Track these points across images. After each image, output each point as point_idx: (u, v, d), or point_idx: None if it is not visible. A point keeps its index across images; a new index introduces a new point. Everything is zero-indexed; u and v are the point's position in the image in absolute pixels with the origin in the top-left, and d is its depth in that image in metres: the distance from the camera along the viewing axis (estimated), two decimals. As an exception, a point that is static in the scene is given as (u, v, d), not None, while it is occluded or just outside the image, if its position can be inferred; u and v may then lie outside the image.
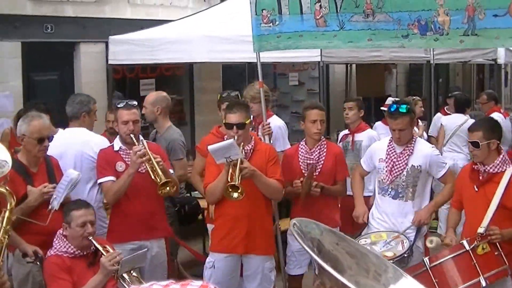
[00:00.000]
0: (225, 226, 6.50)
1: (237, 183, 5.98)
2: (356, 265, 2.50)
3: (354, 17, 6.75)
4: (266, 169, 6.43)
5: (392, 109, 6.59)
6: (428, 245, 6.07)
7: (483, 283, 5.50)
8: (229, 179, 6.08)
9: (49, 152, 6.26)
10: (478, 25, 6.18)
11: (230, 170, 6.09)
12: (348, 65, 16.90)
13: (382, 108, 11.77)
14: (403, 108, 6.48)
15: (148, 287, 2.16)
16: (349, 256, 2.54)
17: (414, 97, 11.91)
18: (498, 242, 5.67)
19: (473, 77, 25.00)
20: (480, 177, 6.01)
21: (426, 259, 5.66)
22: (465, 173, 6.31)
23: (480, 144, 5.89)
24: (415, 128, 10.98)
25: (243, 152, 6.30)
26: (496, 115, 10.37)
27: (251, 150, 6.51)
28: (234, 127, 6.35)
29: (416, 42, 6.61)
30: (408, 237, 6.40)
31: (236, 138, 6.25)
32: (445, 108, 12.49)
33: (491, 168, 5.95)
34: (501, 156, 6.01)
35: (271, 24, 7.19)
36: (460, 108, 11.40)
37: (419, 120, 11.65)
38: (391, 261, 5.92)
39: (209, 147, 6.23)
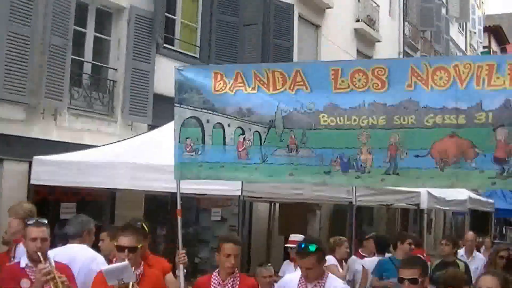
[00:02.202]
0: None
1: None
2: None
3: (277, 151, 6.77)
4: None
5: (300, 248, 6.50)
6: None
7: None
8: None
9: None
10: (400, 164, 6.26)
11: None
12: (272, 203, 16.93)
13: (286, 245, 11.77)
14: (312, 247, 6.39)
15: None
16: None
17: (341, 237, 11.93)
18: None
19: (397, 221, 25.38)
20: None
21: None
22: None
23: (418, 280, 5.81)
24: (339, 268, 10.93)
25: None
26: None
27: (140, 275, 6.44)
28: (126, 250, 6.33)
29: (337, 178, 6.62)
30: None
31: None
32: (360, 250, 12.50)
33: None
34: None
35: (193, 153, 7.19)
36: (381, 248, 11.39)
37: (343, 261, 11.61)
38: None
39: (104, 269, 6.21)
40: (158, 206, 15.24)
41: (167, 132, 8.73)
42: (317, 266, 6.47)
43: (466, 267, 10.57)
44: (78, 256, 7.35)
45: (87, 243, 7.67)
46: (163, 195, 13.37)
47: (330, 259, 10.90)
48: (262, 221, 17.81)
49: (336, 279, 6.93)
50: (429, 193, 16.05)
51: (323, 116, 6.55)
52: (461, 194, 21.19)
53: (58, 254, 7.13)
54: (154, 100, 15.38)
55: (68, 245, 7.60)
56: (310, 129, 6.61)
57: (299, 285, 6.56)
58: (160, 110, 14.65)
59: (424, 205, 15.90)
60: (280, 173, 6.85)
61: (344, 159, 6.45)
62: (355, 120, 6.42)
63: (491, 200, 25.26)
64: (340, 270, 10.95)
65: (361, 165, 6.41)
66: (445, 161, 6.12)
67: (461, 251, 13.05)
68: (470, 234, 13.95)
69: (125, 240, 6.40)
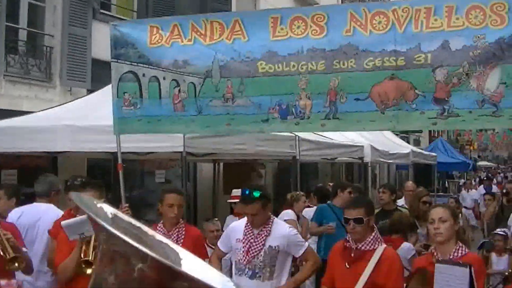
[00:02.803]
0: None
1: (90, 258, 5.86)
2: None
3: (213, 101, 6.71)
4: None
5: (245, 194, 6.48)
6: None
7: None
8: (82, 256, 5.94)
9: (22, 222, 6.97)
10: (340, 108, 6.24)
11: (84, 247, 5.96)
12: (216, 163, 16.89)
13: (229, 200, 11.77)
14: (256, 193, 6.38)
15: None
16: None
17: (298, 192, 11.95)
18: None
19: (342, 176, 25.58)
20: (352, 255, 5.86)
21: None
22: (336, 251, 6.17)
23: (364, 220, 5.79)
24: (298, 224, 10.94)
25: None
26: None
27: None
28: None
29: (276, 126, 6.60)
30: None
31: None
32: (307, 202, 12.53)
33: (363, 245, 5.83)
34: (373, 233, 5.91)
35: (132, 107, 7.09)
36: (323, 199, 11.43)
37: (303, 215, 11.62)
38: None
39: (63, 223, 6.13)
40: (100, 170, 15.10)
41: (106, 94, 8.57)
42: (262, 211, 6.46)
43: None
44: (44, 215, 7.46)
45: (54, 203, 7.82)
46: (106, 159, 13.21)
47: (290, 214, 10.93)
48: (206, 182, 17.78)
49: (282, 223, 6.94)
50: (372, 146, 16.19)
51: (261, 64, 6.49)
52: (404, 148, 21.49)
53: (25, 212, 7.36)
54: (93, 65, 15.28)
55: (35, 204, 7.78)
56: (248, 77, 6.54)
57: (245, 231, 6.57)
58: (99, 74, 14.47)
59: (368, 158, 16.02)
60: (217, 124, 6.81)
61: (282, 106, 6.41)
62: (294, 66, 6.37)
63: (433, 154, 25.68)
64: (299, 227, 10.93)
65: (300, 111, 6.38)
66: (386, 103, 6.12)
67: (401, 201, 13.16)
68: (410, 184, 14.02)
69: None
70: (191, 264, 1.30)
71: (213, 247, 7.84)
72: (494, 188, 26.40)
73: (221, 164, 17.11)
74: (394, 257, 6.00)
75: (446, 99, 5.98)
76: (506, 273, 4.43)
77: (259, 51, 6.51)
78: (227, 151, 11.19)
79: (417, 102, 6.07)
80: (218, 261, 6.93)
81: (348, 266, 5.87)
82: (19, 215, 7.48)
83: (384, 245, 5.96)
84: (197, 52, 6.77)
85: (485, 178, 31.60)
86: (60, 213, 7.47)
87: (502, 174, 57.31)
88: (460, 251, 5.40)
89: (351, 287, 5.74)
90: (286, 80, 6.40)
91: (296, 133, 12.00)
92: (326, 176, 24.99)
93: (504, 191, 14.37)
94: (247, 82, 6.54)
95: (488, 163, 69.30)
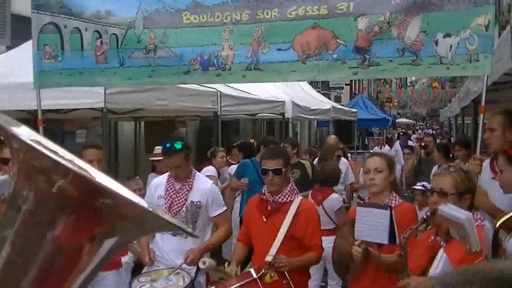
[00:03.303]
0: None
1: None
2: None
3: (135, 53, 6.60)
4: None
5: (166, 147, 6.37)
6: (201, 266, 5.79)
7: None
8: None
9: None
10: (262, 59, 6.20)
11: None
12: (137, 122, 16.70)
13: (151, 158, 11.67)
14: (178, 145, 6.27)
15: None
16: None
17: (216, 147, 11.89)
18: (286, 271, 5.52)
19: (263, 133, 25.64)
20: (269, 208, 5.81)
21: None
22: (252, 205, 6.11)
23: (282, 170, 5.73)
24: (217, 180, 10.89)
25: None
26: None
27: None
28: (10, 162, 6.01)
29: (197, 77, 6.53)
30: (190, 272, 6.13)
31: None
32: (227, 158, 12.49)
33: (279, 197, 5.78)
34: (289, 185, 5.87)
35: (53, 60, 6.89)
36: (247, 154, 11.38)
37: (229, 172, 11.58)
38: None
39: None
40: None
41: (26, 50, 8.28)
42: (185, 163, 6.34)
43: (312, 165, 10.68)
44: None
45: None
46: (26, 119, 12.89)
47: (211, 170, 10.86)
48: (128, 141, 17.56)
49: (205, 178, 6.86)
50: (293, 102, 16.21)
51: (186, 15, 6.39)
52: (325, 103, 21.65)
53: None
54: (13, 20, 14.71)
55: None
56: (172, 28, 6.43)
57: (167, 186, 6.44)
58: (20, 31, 14.00)
59: (289, 114, 16.01)
60: (138, 76, 6.68)
61: (204, 57, 6.34)
62: (218, 16, 6.29)
63: (353, 110, 25.96)
64: (220, 183, 10.89)
65: (221, 62, 6.32)
66: (307, 53, 6.11)
67: None
68: (332, 137, 14.10)
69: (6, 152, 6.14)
70: (112, 184, 1.22)
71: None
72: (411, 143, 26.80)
73: (142, 123, 16.93)
74: (311, 208, 5.99)
75: (367, 48, 5.99)
76: (425, 216, 4.45)
77: (184, 1, 6.42)
78: (149, 107, 11.02)
79: (339, 51, 6.07)
80: None
81: (265, 220, 5.81)
82: None
83: (300, 197, 5.94)
84: (120, 3, 6.65)
85: (401, 133, 32.08)
86: None
87: (420, 131, 58.45)
88: (394, 201, 5.32)
89: (269, 240, 5.69)
90: (210, 31, 6.33)
91: (218, 89, 11.93)
92: (247, 133, 25.00)
93: (423, 144, 14.58)
94: (170, 33, 6.43)
95: (407, 120, 70.58)
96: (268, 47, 6.15)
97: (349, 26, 5.99)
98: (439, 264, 3.46)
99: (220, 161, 11.58)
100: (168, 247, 6.41)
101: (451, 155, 10.92)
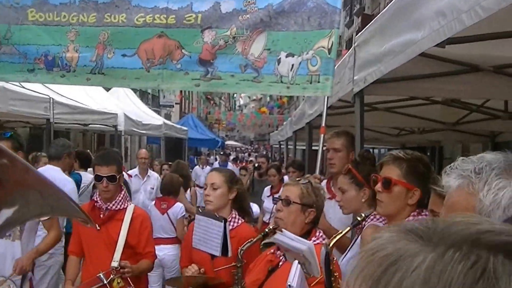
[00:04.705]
0: None
1: None
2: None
3: None
4: None
5: None
6: None
7: None
8: None
9: None
10: (106, 64, 6.18)
11: None
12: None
13: None
14: (7, 134, 6.07)
15: None
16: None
17: (39, 153, 11.59)
18: (129, 277, 5.45)
19: (94, 146, 25.24)
20: (101, 215, 5.72)
21: None
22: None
23: (116, 177, 5.64)
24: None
25: None
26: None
27: None
28: None
29: (42, 77, 6.39)
30: (15, 281, 5.94)
31: None
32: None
33: (113, 205, 5.71)
34: (122, 192, 5.80)
35: None
36: (85, 163, 11.24)
37: None
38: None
39: None
40: None
41: None
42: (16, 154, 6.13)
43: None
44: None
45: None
46: None
47: None
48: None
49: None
50: (126, 115, 16.07)
51: (31, 11, 6.25)
52: (156, 119, 21.64)
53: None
54: None
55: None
56: (16, 25, 6.26)
57: None
58: None
59: (121, 127, 15.83)
60: None
61: (48, 57, 6.23)
62: (64, 16, 6.20)
63: (184, 128, 26.08)
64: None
65: (66, 64, 6.23)
66: (152, 61, 6.15)
67: (135, 170, 13.21)
68: (143, 151, 13.93)
69: None
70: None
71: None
72: (229, 165, 27.03)
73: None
74: (144, 215, 5.94)
75: (211, 61, 6.11)
76: (267, 229, 4.48)
77: None
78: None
79: (183, 62, 6.15)
80: None
81: (99, 228, 5.66)
82: None
83: (133, 204, 5.92)
84: None
85: (221, 153, 32.50)
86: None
87: (246, 154, 59.50)
88: (233, 222, 5.09)
89: (105, 248, 5.60)
90: (55, 30, 6.24)
91: (51, 95, 11.61)
92: (77, 145, 24.56)
93: (256, 165, 14.78)
94: (15, 29, 6.28)
95: (236, 143, 71.63)
96: (114, 52, 6.13)
97: (196, 38, 6.09)
98: (296, 273, 3.49)
99: (43, 166, 11.30)
100: None
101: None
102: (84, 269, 5.84)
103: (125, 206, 5.76)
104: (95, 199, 5.84)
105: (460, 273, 0.85)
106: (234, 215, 5.17)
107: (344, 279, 3.73)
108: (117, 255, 5.50)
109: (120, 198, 5.76)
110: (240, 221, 5.16)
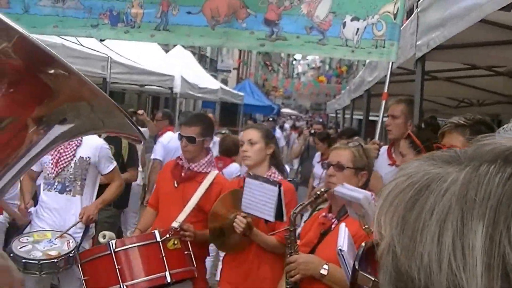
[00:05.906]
0: None
1: None
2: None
3: (42, 1, 6.31)
4: None
5: None
6: (101, 239, 5.58)
7: (168, 279, 5.10)
8: None
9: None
10: (171, 20, 6.12)
11: None
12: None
13: None
14: None
15: None
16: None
17: None
18: (189, 241, 5.34)
19: (148, 107, 25.36)
20: (182, 174, 5.72)
21: (112, 242, 5.14)
22: (167, 168, 5.99)
23: (196, 140, 5.64)
24: None
25: None
26: (169, 134, 10.57)
27: None
28: None
29: (105, 32, 6.36)
30: (75, 237, 5.99)
31: None
32: None
33: (195, 166, 5.69)
34: (208, 156, 5.79)
35: None
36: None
37: None
38: (56, 260, 5.62)
39: None
40: None
41: None
42: None
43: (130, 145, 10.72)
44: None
45: None
46: None
47: None
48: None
49: (95, 135, 6.69)
50: (182, 77, 16.06)
51: None
52: (213, 83, 21.64)
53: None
54: None
55: None
56: None
57: None
58: None
59: (177, 89, 15.85)
60: (43, 24, 6.36)
61: (113, 13, 6.17)
62: None
63: (241, 93, 26.04)
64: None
65: (131, 19, 6.18)
66: (217, 19, 6.08)
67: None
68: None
69: None
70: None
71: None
72: (277, 131, 27.09)
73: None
74: (225, 184, 5.72)
75: (276, 21, 6.02)
76: (318, 192, 4.37)
77: None
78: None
79: (248, 21, 6.07)
80: (31, 181, 6.57)
81: (176, 185, 5.71)
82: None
83: (216, 171, 5.84)
84: None
85: (269, 120, 32.55)
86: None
87: (304, 122, 59.26)
88: (272, 177, 5.07)
89: (176, 207, 5.55)
90: None
91: (109, 54, 11.64)
92: (132, 106, 24.74)
93: (312, 131, 14.72)
94: None
95: (292, 111, 71.39)
96: (178, 9, 6.07)
97: None
98: (345, 237, 3.43)
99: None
100: (54, 206, 6.26)
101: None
102: (155, 224, 5.81)
103: (207, 171, 5.72)
104: (181, 157, 5.84)
105: (499, 184, 0.82)
106: (274, 171, 5.19)
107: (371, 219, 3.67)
108: (182, 216, 5.40)
109: (204, 162, 5.75)
110: (279, 177, 5.14)
